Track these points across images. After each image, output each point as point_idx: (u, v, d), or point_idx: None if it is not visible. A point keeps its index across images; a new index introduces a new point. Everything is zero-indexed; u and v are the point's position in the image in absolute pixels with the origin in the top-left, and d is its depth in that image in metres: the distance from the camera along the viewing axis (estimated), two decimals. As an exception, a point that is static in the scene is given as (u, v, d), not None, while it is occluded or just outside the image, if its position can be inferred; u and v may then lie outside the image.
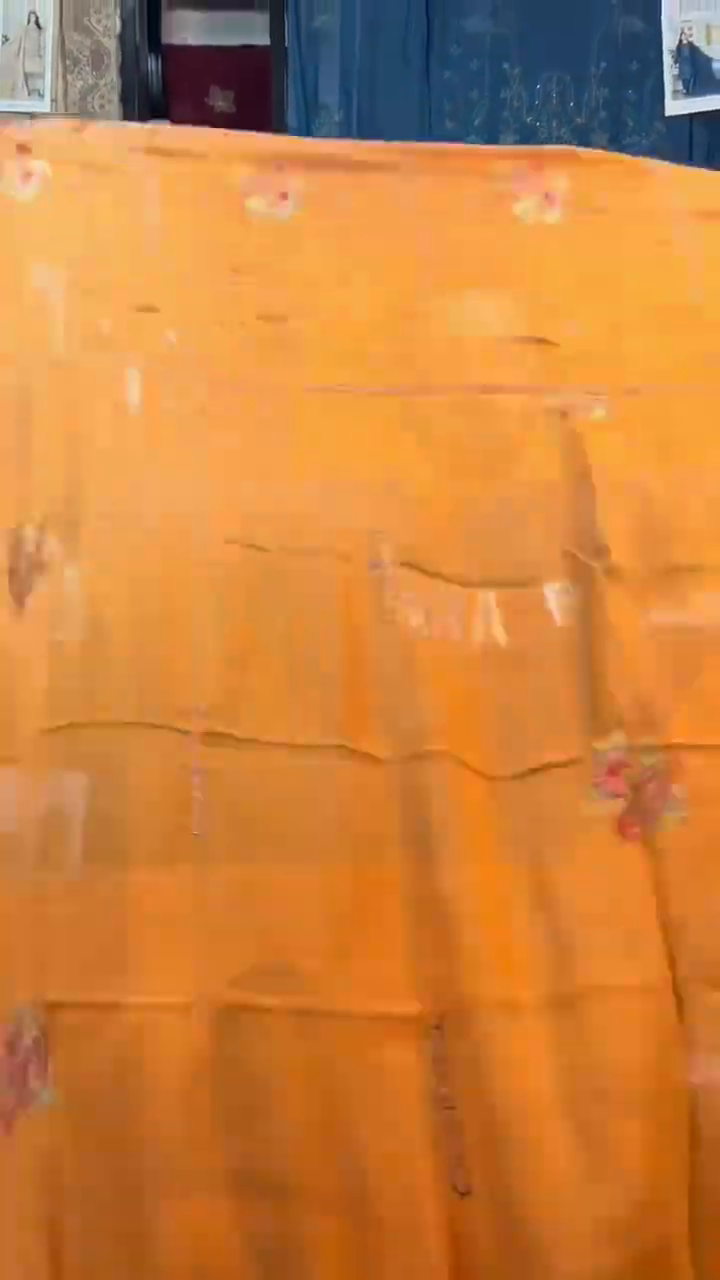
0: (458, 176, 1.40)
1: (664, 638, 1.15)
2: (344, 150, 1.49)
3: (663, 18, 2.65)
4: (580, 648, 1.13)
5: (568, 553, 1.17)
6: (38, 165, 1.35)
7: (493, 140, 2.76)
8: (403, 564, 1.16)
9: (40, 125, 1.61)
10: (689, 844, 1.10)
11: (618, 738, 1.11)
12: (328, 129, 2.78)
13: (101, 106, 2.80)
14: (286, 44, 2.83)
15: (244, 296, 1.30)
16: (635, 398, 1.25)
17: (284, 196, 1.34)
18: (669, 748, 1.11)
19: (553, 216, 1.34)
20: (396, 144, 1.48)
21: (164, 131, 1.56)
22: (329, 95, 2.80)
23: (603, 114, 2.76)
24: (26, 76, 2.74)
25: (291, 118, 2.81)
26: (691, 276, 1.33)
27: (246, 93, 3.19)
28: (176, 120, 2.98)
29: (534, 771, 1.11)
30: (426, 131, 2.78)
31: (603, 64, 2.74)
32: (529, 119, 2.76)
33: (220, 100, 3.24)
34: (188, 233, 1.36)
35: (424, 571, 1.16)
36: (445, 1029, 1.07)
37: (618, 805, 1.10)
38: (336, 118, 2.77)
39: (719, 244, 1.37)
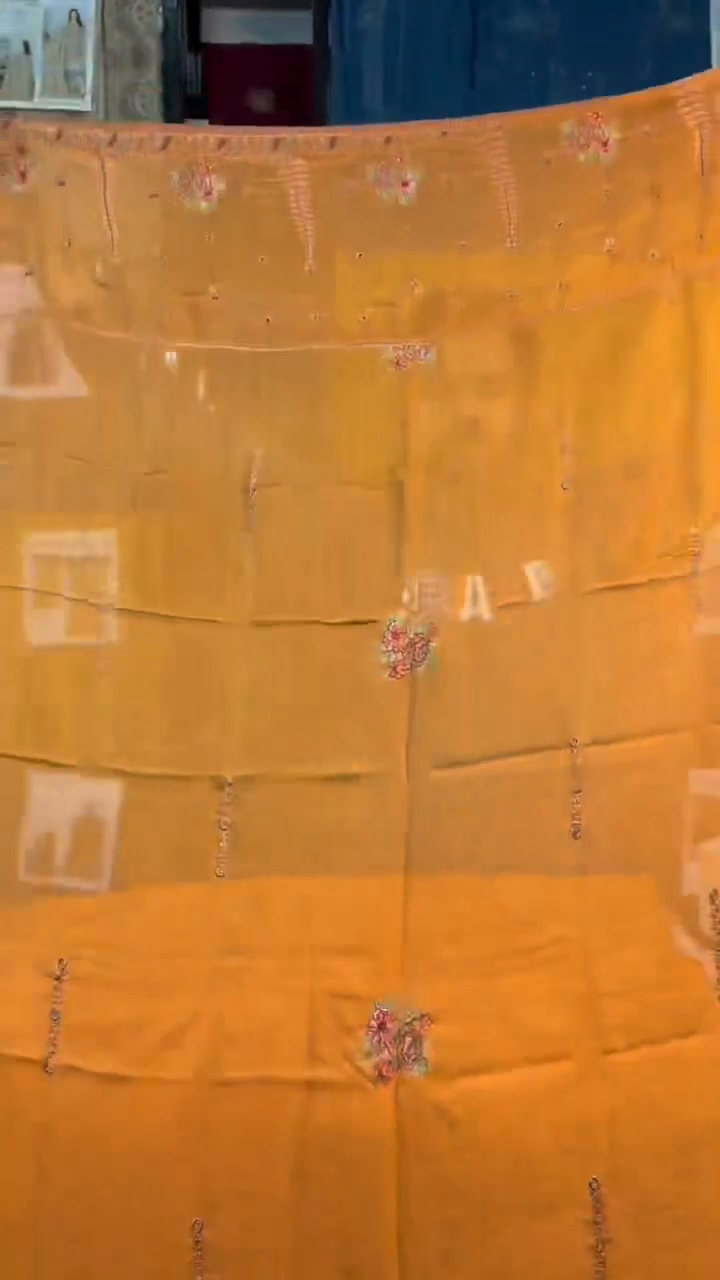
0: None
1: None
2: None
3: (711, 18, 2.61)
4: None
5: None
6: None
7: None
8: None
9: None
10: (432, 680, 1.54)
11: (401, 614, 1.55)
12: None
13: (143, 105, 2.78)
14: (330, 44, 2.80)
15: None
16: None
17: None
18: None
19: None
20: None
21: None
22: (372, 96, 2.77)
23: (650, 116, 2.70)
24: (67, 74, 2.72)
25: (334, 119, 2.77)
26: None
27: (287, 93, 3.16)
28: (217, 121, 2.96)
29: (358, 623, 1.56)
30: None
31: (649, 65, 2.70)
32: (575, 121, 2.71)
33: (260, 100, 3.22)
34: None
35: None
36: None
37: (395, 657, 1.54)
38: (380, 119, 2.73)
39: None
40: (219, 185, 1.57)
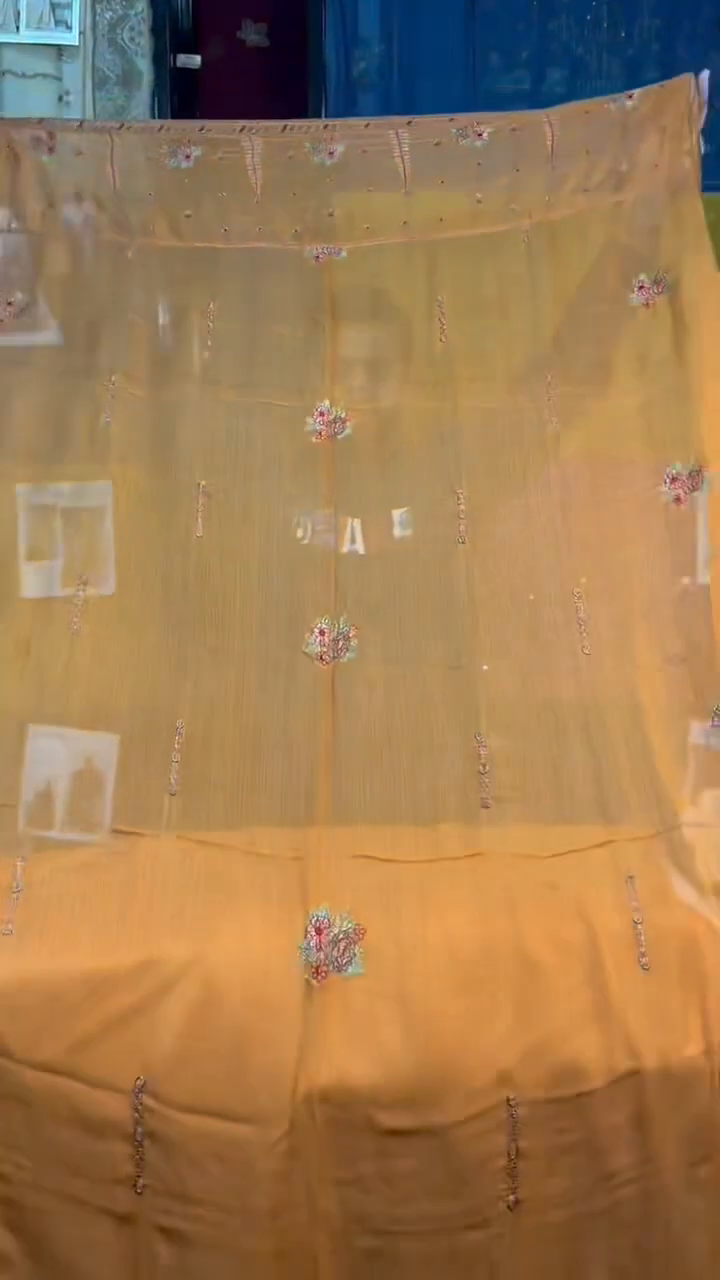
0: None
1: None
2: None
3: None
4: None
5: None
6: None
7: (539, 75, 2.66)
8: None
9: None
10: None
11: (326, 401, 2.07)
12: (366, 62, 2.68)
13: (131, 39, 2.70)
14: (324, -28, 2.72)
15: None
16: None
17: None
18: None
19: None
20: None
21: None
22: (368, 27, 2.70)
23: (655, 46, 2.64)
24: (54, 7, 2.64)
25: (329, 51, 2.70)
26: None
27: (281, 25, 3.08)
28: (208, 55, 2.88)
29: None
30: (470, 66, 2.67)
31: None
32: (579, 51, 2.65)
33: (253, 34, 3.12)
34: None
35: None
36: None
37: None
38: (376, 50, 2.67)
39: None
40: (196, 152, 2.12)
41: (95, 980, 1.43)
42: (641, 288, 2.07)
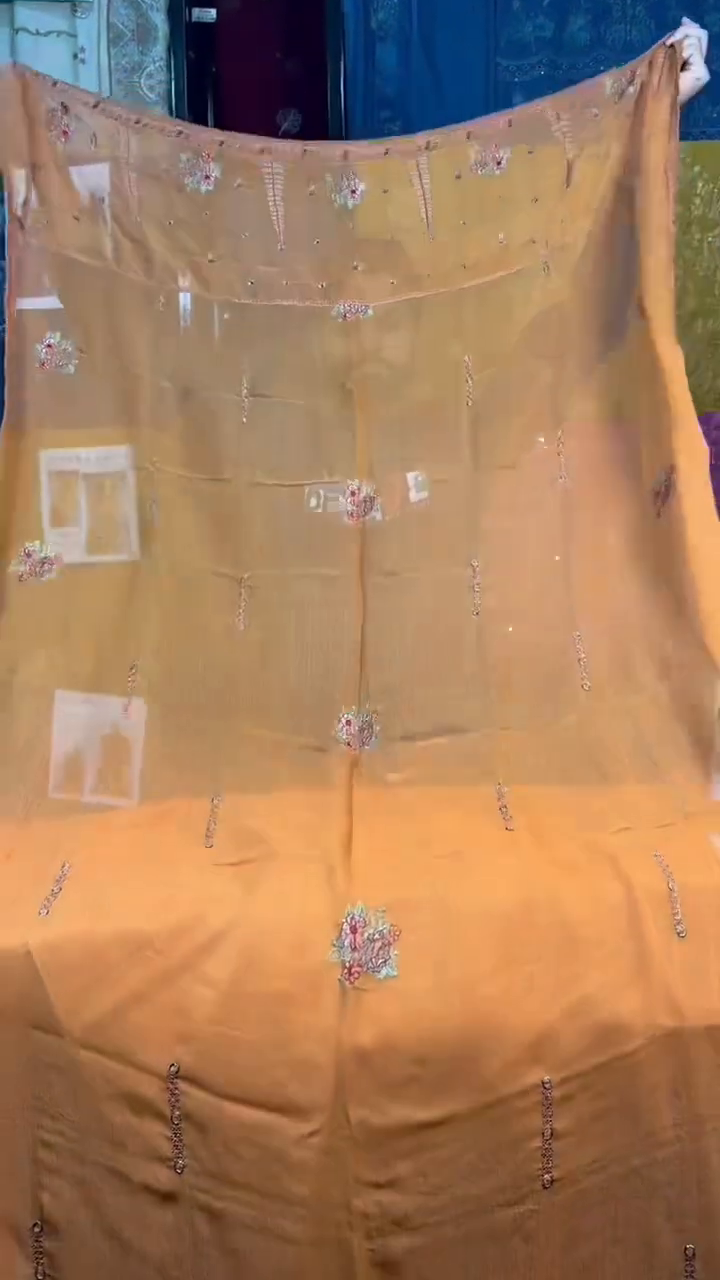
0: None
1: None
2: None
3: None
4: None
5: None
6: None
7: (562, 21, 2.60)
8: None
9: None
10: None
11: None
12: (385, 12, 2.62)
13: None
14: None
15: None
16: None
17: None
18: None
19: None
20: None
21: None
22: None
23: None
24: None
25: (347, 1, 2.64)
26: None
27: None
28: (224, 8, 2.82)
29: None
30: (490, 13, 2.61)
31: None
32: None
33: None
34: None
35: None
36: None
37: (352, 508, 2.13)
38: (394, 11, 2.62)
39: None
40: (215, 172, 2.10)
41: (137, 940, 1.45)
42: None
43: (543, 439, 2.10)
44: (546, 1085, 1.37)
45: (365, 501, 2.07)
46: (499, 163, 2.11)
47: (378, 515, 2.07)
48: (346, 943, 1.45)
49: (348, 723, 1.91)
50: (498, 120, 2.16)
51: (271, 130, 2.80)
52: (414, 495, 2.08)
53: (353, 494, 2.07)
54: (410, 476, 2.08)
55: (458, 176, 2.11)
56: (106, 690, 1.87)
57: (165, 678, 1.90)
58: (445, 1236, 1.38)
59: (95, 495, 2.01)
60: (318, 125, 2.73)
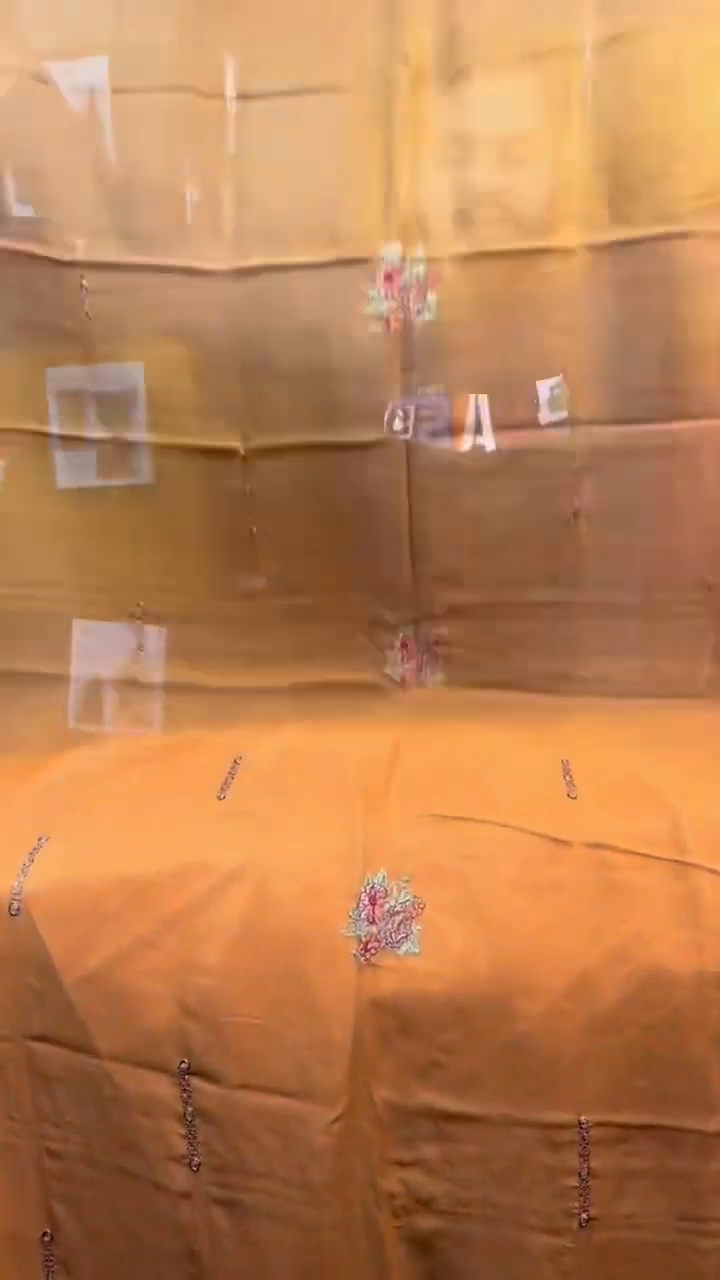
0: None
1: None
2: None
3: None
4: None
5: None
6: None
7: None
8: None
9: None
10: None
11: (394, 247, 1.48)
12: None
13: None
14: None
15: None
16: None
17: None
18: (431, 260, 1.44)
19: None
20: None
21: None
22: None
23: None
24: None
25: None
26: None
27: None
28: None
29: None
30: None
31: None
32: None
33: None
34: None
35: None
36: None
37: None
38: None
39: None
40: None
41: (140, 883, 1.40)
42: None
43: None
44: (583, 1124, 1.32)
45: (409, 290, 1.59)
46: None
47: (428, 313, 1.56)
48: (364, 915, 1.44)
49: (404, 644, 1.74)
50: None
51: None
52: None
53: (388, 276, 1.57)
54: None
55: None
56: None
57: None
58: (475, 1233, 1.34)
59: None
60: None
